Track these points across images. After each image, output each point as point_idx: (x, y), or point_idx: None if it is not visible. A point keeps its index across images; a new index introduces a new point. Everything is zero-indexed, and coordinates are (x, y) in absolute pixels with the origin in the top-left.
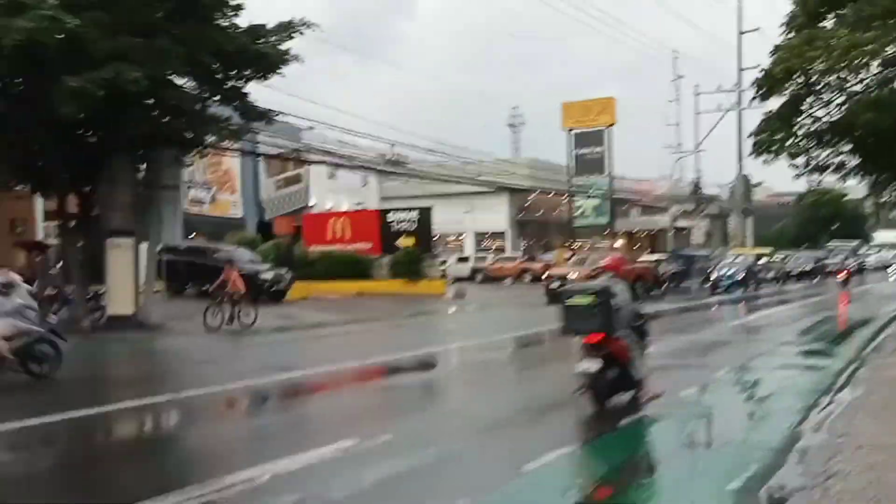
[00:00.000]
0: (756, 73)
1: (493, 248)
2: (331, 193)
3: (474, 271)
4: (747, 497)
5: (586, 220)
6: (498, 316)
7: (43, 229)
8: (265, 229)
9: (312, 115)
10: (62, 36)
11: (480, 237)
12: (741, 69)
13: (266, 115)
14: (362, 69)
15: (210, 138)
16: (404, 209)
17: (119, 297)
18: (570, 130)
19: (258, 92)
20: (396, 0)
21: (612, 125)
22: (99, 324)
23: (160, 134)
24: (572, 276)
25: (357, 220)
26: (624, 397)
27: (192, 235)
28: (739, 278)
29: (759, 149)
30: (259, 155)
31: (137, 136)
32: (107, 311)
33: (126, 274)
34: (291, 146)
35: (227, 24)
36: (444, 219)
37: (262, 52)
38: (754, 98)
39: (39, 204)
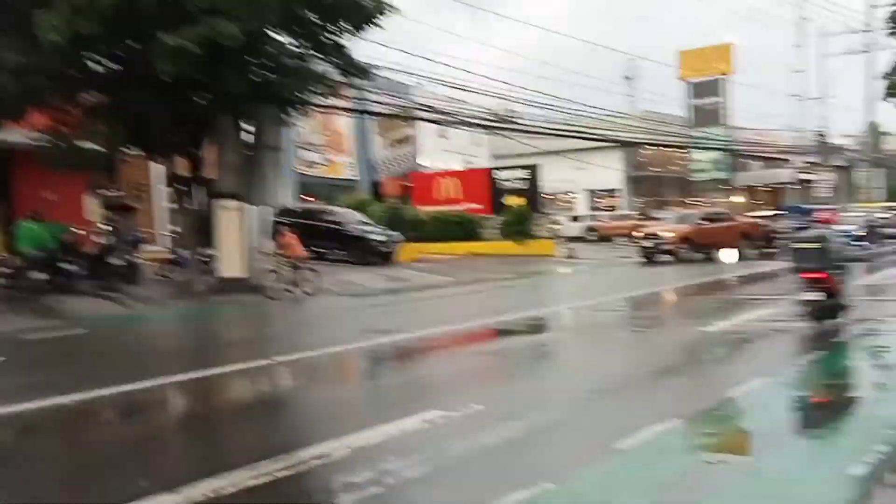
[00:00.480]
0: (890, 8)
1: (607, 205)
2: (441, 153)
3: (587, 230)
4: None
5: (704, 174)
6: (609, 276)
7: (166, 194)
8: (378, 190)
9: (425, 71)
10: None
11: (593, 195)
12: (872, 6)
13: (366, 71)
14: (477, 26)
15: (309, 95)
16: (512, 167)
17: (229, 260)
18: (687, 80)
19: (368, 48)
20: None
21: (729, 73)
22: (212, 286)
23: (259, 91)
24: (664, 233)
25: (466, 179)
26: (837, 320)
27: (309, 198)
28: (859, 235)
29: (893, 91)
30: (364, 113)
31: (238, 95)
32: (219, 273)
33: (235, 236)
34: (399, 104)
35: None
36: (556, 176)
37: (359, 4)
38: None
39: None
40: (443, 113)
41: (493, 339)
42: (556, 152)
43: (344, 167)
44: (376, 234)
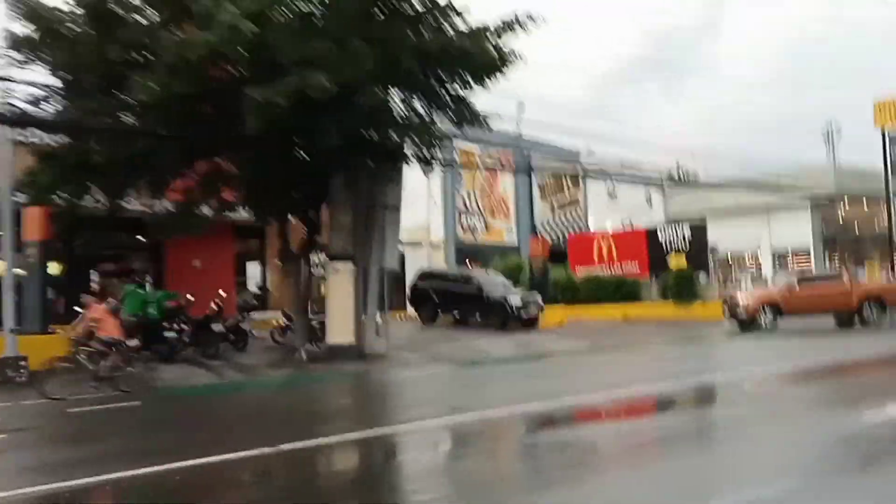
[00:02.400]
0: None
1: (796, 267)
2: (611, 214)
3: None
4: None
5: None
6: (790, 343)
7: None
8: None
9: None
10: (247, 46)
11: (780, 256)
12: None
13: (478, 120)
14: (667, 96)
15: (420, 148)
16: (676, 226)
17: (338, 325)
18: (884, 130)
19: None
20: (703, 23)
21: None
22: (317, 354)
23: (360, 145)
24: (742, 298)
25: (623, 239)
26: None
27: (467, 263)
28: None
29: None
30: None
31: (338, 149)
32: (327, 340)
33: (346, 300)
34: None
35: (436, 25)
36: (737, 238)
37: (468, 51)
38: None
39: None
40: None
41: (556, 427)
42: (738, 213)
43: (504, 232)
44: (516, 298)
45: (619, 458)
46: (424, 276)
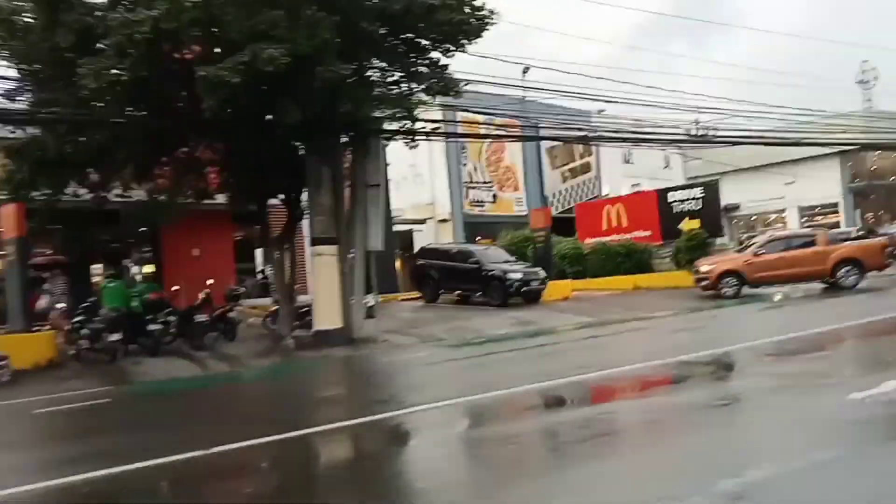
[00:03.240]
0: None
1: (825, 223)
2: (627, 179)
3: None
4: None
5: None
6: (801, 312)
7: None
8: (554, 225)
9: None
10: (192, 21)
11: (807, 212)
12: None
13: (454, 88)
14: (696, 53)
15: (386, 121)
16: (687, 186)
17: (324, 310)
18: None
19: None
20: None
21: None
22: (306, 340)
23: (326, 121)
24: (706, 268)
25: (633, 204)
26: None
27: (477, 239)
28: None
29: None
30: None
31: (305, 127)
32: (314, 326)
33: (331, 284)
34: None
35: None
36: (762, 195)
37: (434, 8)
38: None
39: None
40: (628, 135)
41: (515, 418)
42: (761, 167)
43: (513, 203)
44: (517, 273)
45: (623, 443)
46: (424, 253)
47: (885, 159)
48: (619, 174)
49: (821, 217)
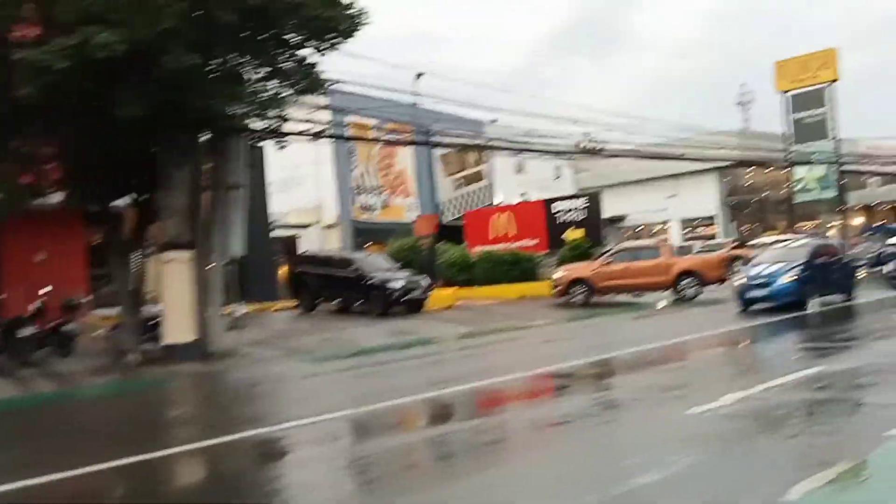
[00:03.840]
0: None
1: (705, 235)
2: (519, 189)
3: None
4: None
5: (809, 194)
6: (672, 320)
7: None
8: (444, 233)
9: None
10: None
11: (688, 224)
12: None
13: (317, 86)
14: (595, 69)
15: (241, 113)
16: (571, 197)
17: (175, 321)
18: (786, 93)
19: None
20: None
21: (834, 81)
22: (154, 355)
23: (174, 116)
24: (558, 275)
25: (521, 213)
26: None
27: (368, 245)
28: None
29: None
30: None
31: (151, 123)
32: (163, 339)
33: (183, 293)
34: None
35: None
36: (646, 207)
37: (298, 4)
38: None
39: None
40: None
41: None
42: (645, 181)
43: (404, 209)
44: (398, 281)
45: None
46: (301, 260)
47: (759, 175)
48: (513, 183)
49: (702, 228)
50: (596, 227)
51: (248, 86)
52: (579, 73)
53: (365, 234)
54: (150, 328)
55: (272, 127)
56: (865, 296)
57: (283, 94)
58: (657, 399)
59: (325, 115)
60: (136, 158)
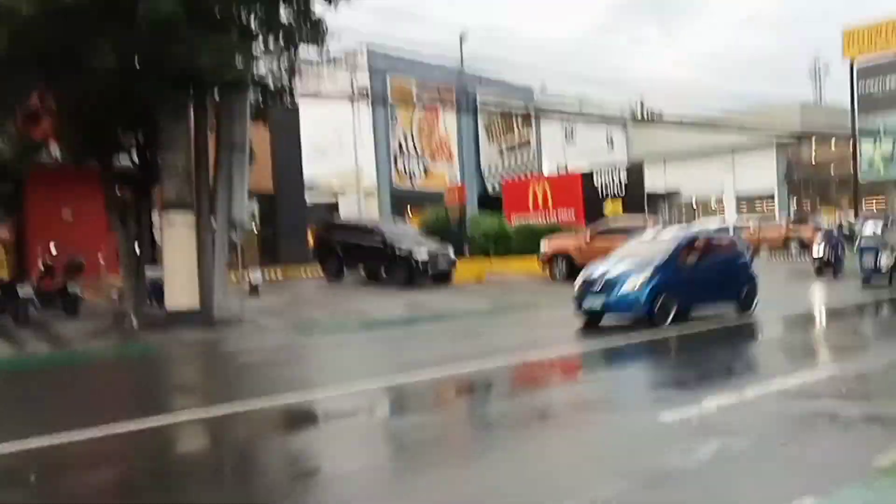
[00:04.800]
0: None
1: (762, 211)
2: (569, 157)
3: None
4: None
5: (873, 172)
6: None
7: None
8: (488, 202)
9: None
10: None
11: (744, 200)
12: None
13: (318, 36)
14: (666, 39)
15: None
16: (611, 169)
17: (178, 286)
18: (853, 62)
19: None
20: None
21: None
22: (155, 320)
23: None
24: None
25: (559, 185)
26: None
27: (410, 212)
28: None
29: None
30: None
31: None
32: (166, 304)
33: (186, 257)
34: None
35: None
36: (702, 181)
37: None
38: None
39: None
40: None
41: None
42: (702, 155)
43: (446, 176)
44: (423, 252)
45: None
46: (328, 226)
47: (824, 151)
48: (561, 152)
49: (760, 205)
50: (639, 199)
51: (242, 38)
52: (647, 44)
53: (406, 201)
54: (156, 292)
55: (283, 85)
56: (780, 307)
57: (275, 48)
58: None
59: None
60: (135, 115)
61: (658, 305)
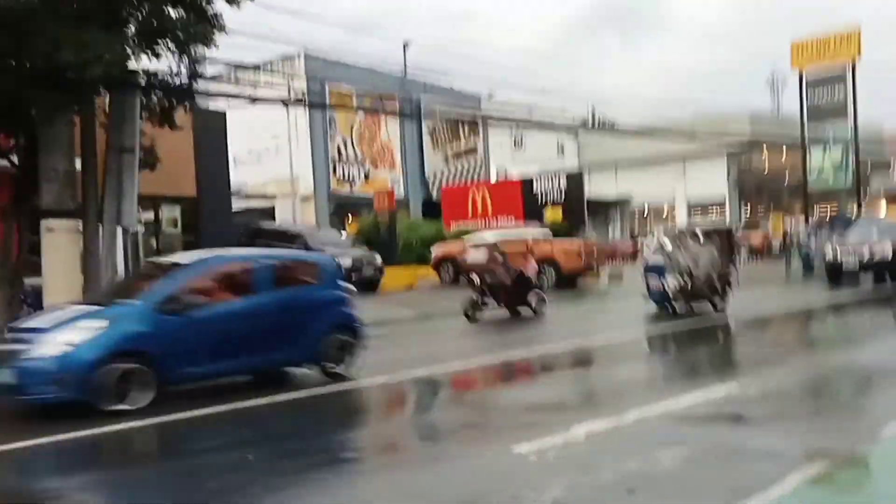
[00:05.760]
0: None
1: (715, 218)
2: (517, 165)
3: None
4: None
5: (822, 180)
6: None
7: None
8: (432, 208)
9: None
10: None
11: (697, 207)
12: None
13: (204, 37)
14: (626, 51)
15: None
16: (552, 176)
17: (56, 294)
18: (802, 72)
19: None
20: None
21: (855, 61)
22: None
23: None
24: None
25: (499, 191)
26: None
27: (347, 219)
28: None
29: None
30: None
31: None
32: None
33: (67, 266)
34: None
35: None
36: (654, 189)
37: None
38: None
39: None
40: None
41: None
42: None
43: (388, 182)
44: (346, 259)
45: None
46: (252, 232)
47: (775, 159)
48: (510, 159)
49: (711, 210)
50: (579, 207)
51: (111, 33)
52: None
53: (346, 208)
54: (35, 301)
55: (182, 86)
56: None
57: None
58: None
59: (301, 83)
60: (12, 114)
61: (111, 380)
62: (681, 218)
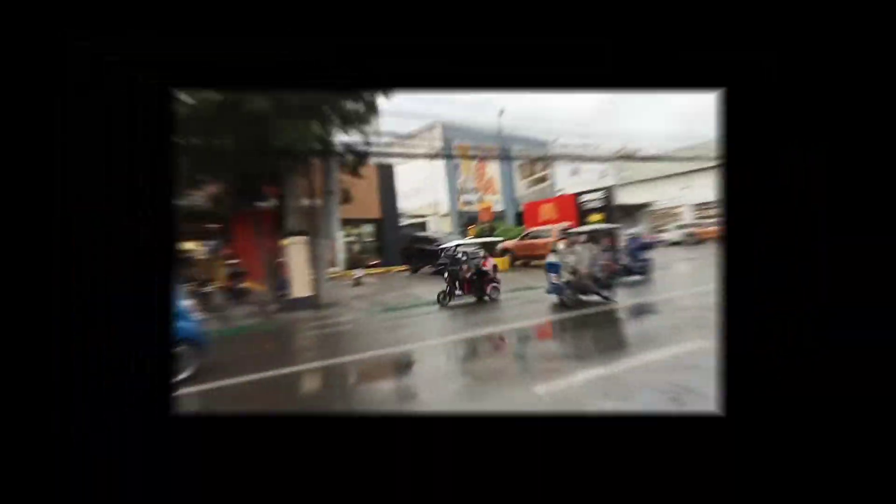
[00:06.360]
0: None
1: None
2: (575, 186)
3: (687, 235)
4: None
5: None
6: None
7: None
8: (518, 219)
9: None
10: None
11: (697, 208)
12: None
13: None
14: (652, 102)
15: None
16: (593, 190)
17: (298, 282)
18: None
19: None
20: None
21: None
22: (285, 305)
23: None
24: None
25: (560, 203)
26: None
27: (469, 227)
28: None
29: None
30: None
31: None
32: (290, 294)
33: (301, 264)
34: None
35: None
36: (668, 196)
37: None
38: None
39: None
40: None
41: None
42: (667, 177)
43: (492, 203)
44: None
45: None
46: (410, 239)
47: None
48: (569, 182)
49: (710, 210)
50: (611, 212)
51: (317, 123)
52: (639, 105)
53: (468, 221)
54: (286, 288)
55: (362, 151)
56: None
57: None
58: None
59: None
60: (267, 177)
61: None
62: (686, 216)
